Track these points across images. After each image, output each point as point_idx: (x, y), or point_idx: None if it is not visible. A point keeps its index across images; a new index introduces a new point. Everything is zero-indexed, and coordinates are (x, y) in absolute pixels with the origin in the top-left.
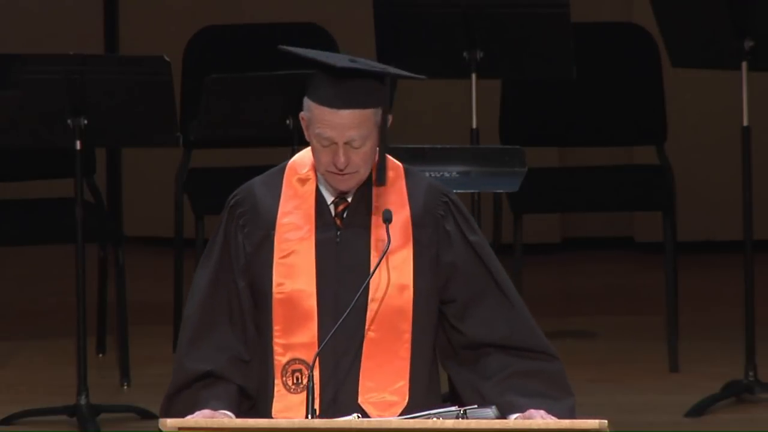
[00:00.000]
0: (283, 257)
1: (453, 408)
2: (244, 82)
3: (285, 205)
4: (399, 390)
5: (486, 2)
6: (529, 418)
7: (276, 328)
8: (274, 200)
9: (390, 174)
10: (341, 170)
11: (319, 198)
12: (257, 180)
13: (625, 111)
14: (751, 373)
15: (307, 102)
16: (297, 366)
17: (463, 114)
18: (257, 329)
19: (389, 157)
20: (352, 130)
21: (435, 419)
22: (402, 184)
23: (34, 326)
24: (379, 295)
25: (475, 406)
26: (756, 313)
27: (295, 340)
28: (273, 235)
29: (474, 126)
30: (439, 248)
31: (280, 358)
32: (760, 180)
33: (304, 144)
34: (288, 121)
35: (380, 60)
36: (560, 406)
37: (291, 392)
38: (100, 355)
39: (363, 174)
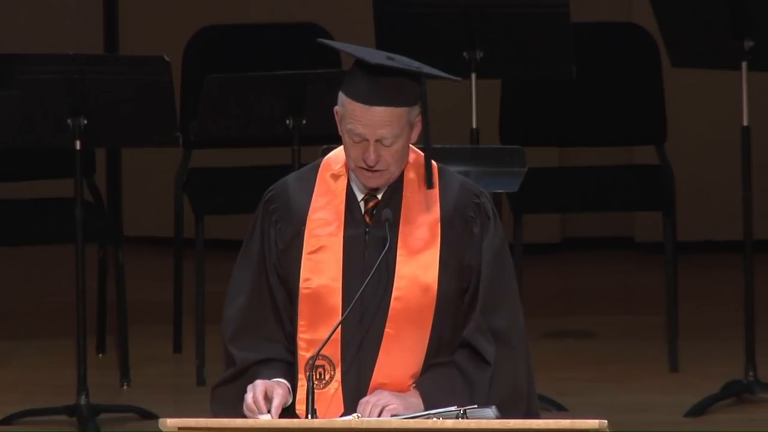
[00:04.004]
0: (312, 252)
1: (453, 408)
2: (244, 82)
3: (317, 201)
4: (411, 378)
5: (486, 2)
6: (374, 398)
7: (301, 323)
8: (306, 196)
9: (422, 172)
10: (371, 167)
11: (350, 194)
12: (292, 176)
13: (625, 111)
14: (751, 373)
15: (341, 97)
16: (320, 362)
17: (463, 114)
18: (292, 324)
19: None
20: (384, 128)
21: (435, 419)
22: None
23: (34, 326)
24: (403, 293)
25: (475, 406)
26: (756, 313)
27: (319, 336)
28: (303, 231)
29: (474, 126)
30: (464, 249)
31: (304, 354)
32: (760, 180)
33: (304, 144)
34: (288, 121)
35: None
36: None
37: (314, 388)
38: (100, 355)
39: (393, 172)
